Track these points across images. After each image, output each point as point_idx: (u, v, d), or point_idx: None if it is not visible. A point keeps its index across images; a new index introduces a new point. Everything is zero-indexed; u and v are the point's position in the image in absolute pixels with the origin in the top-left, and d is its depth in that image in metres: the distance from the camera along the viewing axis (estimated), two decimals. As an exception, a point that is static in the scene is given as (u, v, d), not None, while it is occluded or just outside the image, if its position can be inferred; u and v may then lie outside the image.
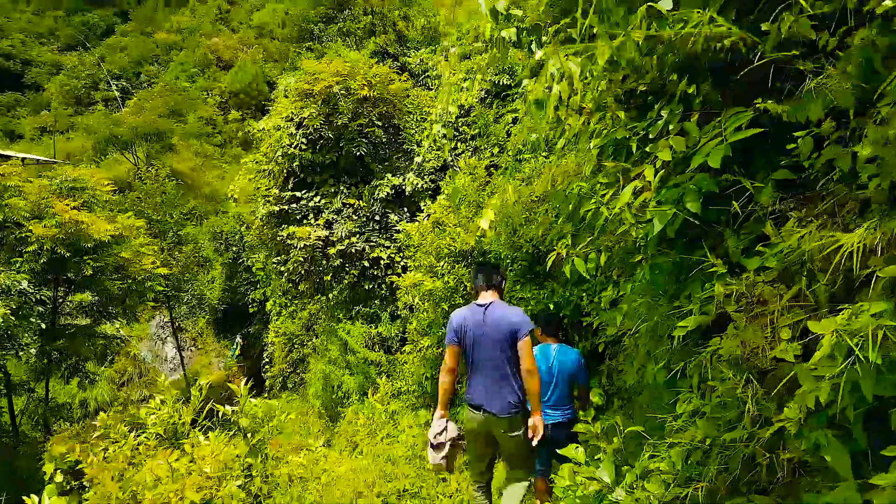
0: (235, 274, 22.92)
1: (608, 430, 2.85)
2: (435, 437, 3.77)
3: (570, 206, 2.76)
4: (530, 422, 3.50)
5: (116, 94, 38.57)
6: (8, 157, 27.02)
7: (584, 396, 4.55)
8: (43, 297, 13.41)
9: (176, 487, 3.41)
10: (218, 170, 32.62)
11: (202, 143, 34.29)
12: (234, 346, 24.59)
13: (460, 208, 8.05)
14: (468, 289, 7.99)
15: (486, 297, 3.67)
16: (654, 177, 2.32)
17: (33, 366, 15.55)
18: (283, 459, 5.26)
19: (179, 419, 5.19)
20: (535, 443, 3.49)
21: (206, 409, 4.89)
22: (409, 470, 5.19)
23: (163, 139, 31.60)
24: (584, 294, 5.31)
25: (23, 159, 28.43)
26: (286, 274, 11.03)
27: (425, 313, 9.09)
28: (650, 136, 2.62)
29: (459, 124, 10.42)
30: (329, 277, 10.84)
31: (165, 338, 26.21)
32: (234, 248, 20.84)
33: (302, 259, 10.66)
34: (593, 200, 2.63)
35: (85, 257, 14.16)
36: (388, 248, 10.71)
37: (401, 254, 10.65)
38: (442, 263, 8.22)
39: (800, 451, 1.80)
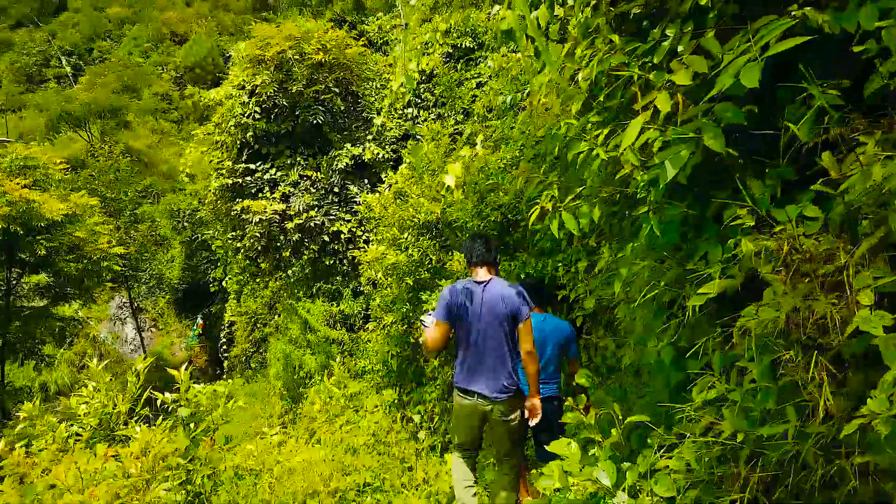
0: (195, 252, 21.91)
1: (603, 419, 2.32)
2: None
3: (556, 149, 2.18)
4: (528, 403, 3.26)
5: (68, 70, 36.30)
6: (-45, 136, 25.27)
7: (573, 368, 4.06)
8: None
9: (80, 500, 2.75)
10: (175, 147, 31.05)
11: (158, 120, 32.57)
12: (195, 327, 23.71)
13: (423, 177, 7.42)
14: (433, 262, 7.39)
15: (483, 273, 3.29)
16: (668, 105, 1.74)
17: None
18: (232, 451, 4.65)
19: (114, 408, 4.52)
20: (532, 423, 3.27)
21: (145, 396, 4.20)
22: (371, 461, 4.63)
23: (117, 116, 29.90)
24: (560, 264, 4.78)
25: (-29, 138, 26.62)
26: (243, 250, 10.24)
27: (389, 289, 8.46)
28: (654, 62, 2.05)
29: (421, 90, 9.73)
30: (287, 253, 10.11)
31: (125, 318, 25.14)
32: (192, 226, 19.82)
33: (258, 234, 9.88)
34: (584, 142, 2.05)
35: (38, 237, 13.54)
36: (349, 221, 10.02)
37: (362, 227, 9.98)
38: (406, 235, 7.59)
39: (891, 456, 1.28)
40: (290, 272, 9.98)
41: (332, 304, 10.05)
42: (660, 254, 2.16)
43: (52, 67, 36.69)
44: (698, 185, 2.07)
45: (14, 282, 14.64)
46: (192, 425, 4.26)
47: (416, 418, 5.93)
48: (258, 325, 16.50)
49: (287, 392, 10.71)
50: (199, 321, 23.58)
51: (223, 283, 18.49)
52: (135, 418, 4.11)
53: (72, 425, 4.35)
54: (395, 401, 8.55)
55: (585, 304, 4.33)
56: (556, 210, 2.12)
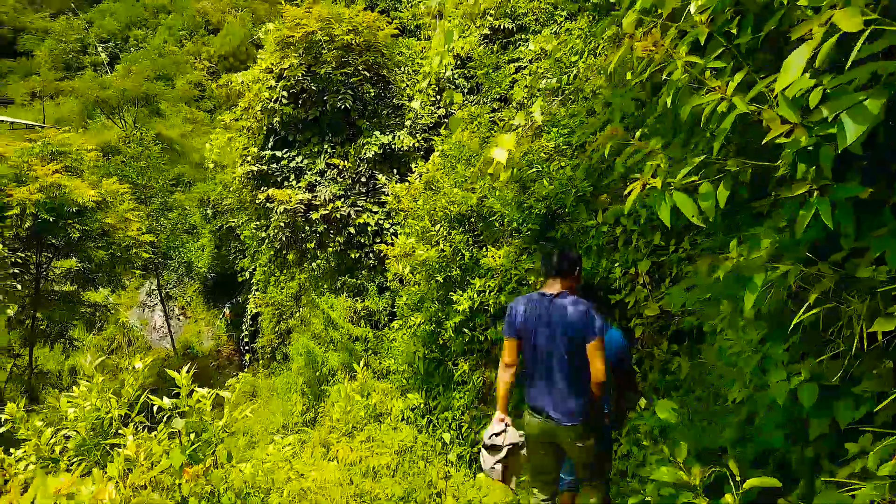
0: (224, 242, 21.72)
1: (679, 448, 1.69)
2: (490, 438, 3.14)
3: (662, 103, 1.56)
4: None
5: (104, 58, 36.62)
6: (-4, 122, 25.53)
7: (626, 385, 3.60)
8: (18, 260, 12.57)
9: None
10: (207, 136, 31.04)
11: (192, 109, 32.58)
12: (222, 316, 23.59)
13: (457, 166, 6.81)
14: (466, 258, 6.79)
15: (553, 286, 3.07)
16: (857, 20, 1.11)
17: (18, 332, 14.90)
18: (240, 465, 4.11)
19: (107, 413, 4.01)
20: None
21: (142, 399, 3.68)
22: (394, 486, 4.05)
23: (151, 104, 29.97)
24: (616, 265, 4.13)
25: (11, 124, 26.90)
26: (267, 241, 9.79)
27: (417, 286, 7.91)
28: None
29: (456, 76, 9.11)
30: (312, 245, 9.62)
31: (153, 306, 25.16)
32: (221, 216, 19.60)
33: (282, 224, 9.41)
34: (707, 94, 1.42)
35: (68, 222, 13.31)
36: (376, 213, 9.47)
37: (390, 220, 9.42)
38: (437, 228, 7.00)
39: None
40: (314, 265, 9.48)
41: (356, 300, 9.52)
42: (800, 253, 1.52)
43: (90, 55, 37.09)
44: (869, 156, 1.42)
45: (44, 266, 14.52)
46: (192, 435, 3.75)
47: (446, 437, 5.31)
48: (284, 317, 16.18)
49: (309, 389, 10.25)
50: (227, 311, 23.43)
51: (249, 274, 18.26)
52: (132, 424, 3.59)
53: (59, 429, 3.85)
54: (422, 405, 8.00)
55: (646, 312, 3.69)
56: (666, 189, 1.50)
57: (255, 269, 15.76)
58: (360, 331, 9.04)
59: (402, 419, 8.03)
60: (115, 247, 15.43)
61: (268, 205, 9.44)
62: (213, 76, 34.62)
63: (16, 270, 12.60)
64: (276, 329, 16.93)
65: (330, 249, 9.45)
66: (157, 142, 23.11)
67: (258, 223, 9.81)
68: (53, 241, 13.79)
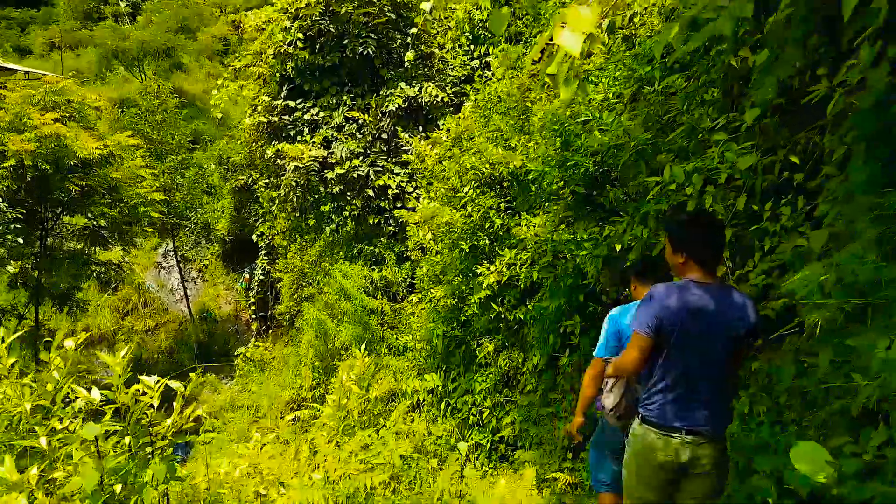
0: (244, 204, 21.25)
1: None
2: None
3: None
4: None
5: (125, 8, 36.16)
6: (13, 71, 25.29)
7: None
8: (19, 215, 12.24)
9: None
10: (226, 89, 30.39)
11: (215, 64, 31.95)
12: (241, 281, 23.35)
13: (492, 118, 6.02)
14: (496, 225, 6.04)
15: (707, 273, 2.47)
16: None
17: (22, 291, 14.89)
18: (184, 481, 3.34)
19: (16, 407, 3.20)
20: None
21: (65, 390, 2.97)
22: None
23: (172, 57, 29.45)
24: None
25: (27, 73, 26.68)
26: (278, 201, 9.16)
27: (439, 255, 7.21)
28: None
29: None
30: (327, 208, 8.96)
31: (169, 267, 25.02)
32: (234, 173, 19.08)
33: (294, 184, 8.75)
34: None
35: (70, 176, 13.01)
36: (398, 175, 8.75)
37: (413, 183, 8.69)
38: (466, 190, 6.26)
39: None
40: (328, 230, 8.84)
41: (373, 270, 8.88)
42: None
43: (110, 4, 36.68)
44: None
45: (51, 223, 14.31)
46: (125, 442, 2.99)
47: (462, 448, 4.63)
48: (304, 284, 15.71)
49: (319, 363, 9.73)
50: (246, 275, 23.16)
51: (266, 238, 17.83)
52: (55, 420, 2.88)
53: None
54: (439, 387, 7.38)
55: (772, 305, 2.94)
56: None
57: (271, 234, 15.25)
58: (375, 303, 8.42)
59: (417, 404, 7.44)
60: (123, 204, 15.13)
61: (278, 161, 8.78)
62: (237, 30, 33.88)
63: (17, 226, 12.22)
64: (296, 296, 16.51)
65: (346, 213, 8.78)
66: (175, 95, 22.54)
67: (268, 181, 9.17)
68: (56, 195, 13.44)
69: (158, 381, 2.86)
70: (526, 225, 5.49)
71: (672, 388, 2.42)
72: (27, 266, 14.32)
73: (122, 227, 15.81)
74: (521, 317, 5.94)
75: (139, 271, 25.01)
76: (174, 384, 2.95)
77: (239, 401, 10.78)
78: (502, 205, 6.02)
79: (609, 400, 2.95)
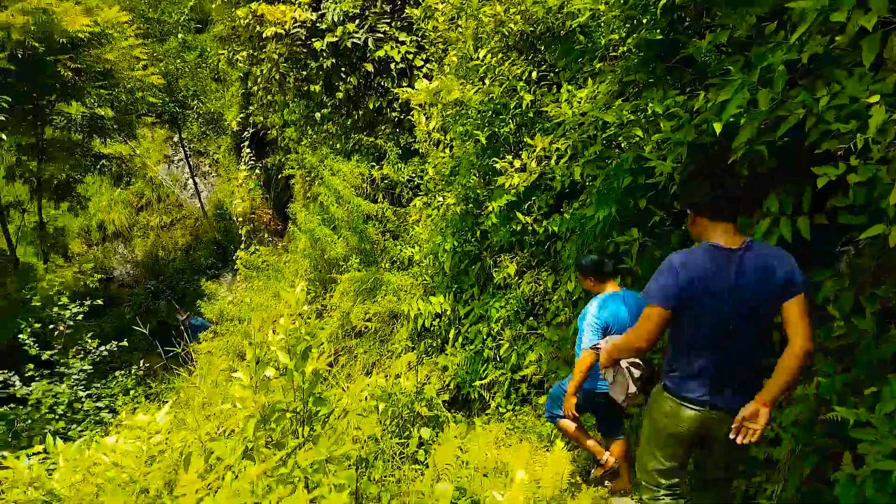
0: (254, 93, 19.70)
1: None
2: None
3: None
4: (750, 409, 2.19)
5: None
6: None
7: None
8: (4, 103, 11.20)
9: None
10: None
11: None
12: (254, 177, 22.24)
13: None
14: (524, 104, 4.47)
15: (730, 233, 2.25)
16: None
17: (20, 183, 14.71)
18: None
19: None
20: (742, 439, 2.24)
21: None
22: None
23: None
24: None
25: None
26: (260, 81, 7.62)
27: (449, 149, 5.72)
28: None
29: None
30: (318, 88, 7.39)
31: (180, 161, 24.04)
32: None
33: (276, 57, 7.15)
34: None
35: (61, 57, 12.16)
36: (403, 43, 7.04)
37: (423, 55, 7.00)
38: (483, 55, 4.66)
39: None
40: (318, 115, 7.32)
41: (373, 166, 7.42)
42: None
43: None
44: None
45: (48, 111, 13.66)
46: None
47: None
48: (317, 180, 14.43)
49: (315, 274, 8.54)
50: (258, 171, 21.97)
51: (277, 131, 16.49)
52: None
53: None
54: (448, 312, 6.12)
55: None
56: None
57: (278, 125, 13.83)
58: (374, 207, 7.03)
59: (422, 329, 6.22)
60: (118, 89, 14.40)
61: (258, 28, 7.15)
62: None
63: (2, 117, 11.06)
64: (308, 195, 15.29)
65: (339, 95, 7.20)
66: (173, -34, 20.44)
67: (249, 53, 7.58)
68: (48, 79, 12.64)
69: None
70: (567, 100, 3.94)
71: (693, 361, 2.34)
72: (24, 157, 13.81)
73: (123, 117, 14.99)
74: (554, 229, 4.61)
75: (151, 165, 24.10)
76: None
77: (233, 311, 9.79)
78: (535, 73, 4.42)
79: (618, 393, 2.85)
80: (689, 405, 2.35)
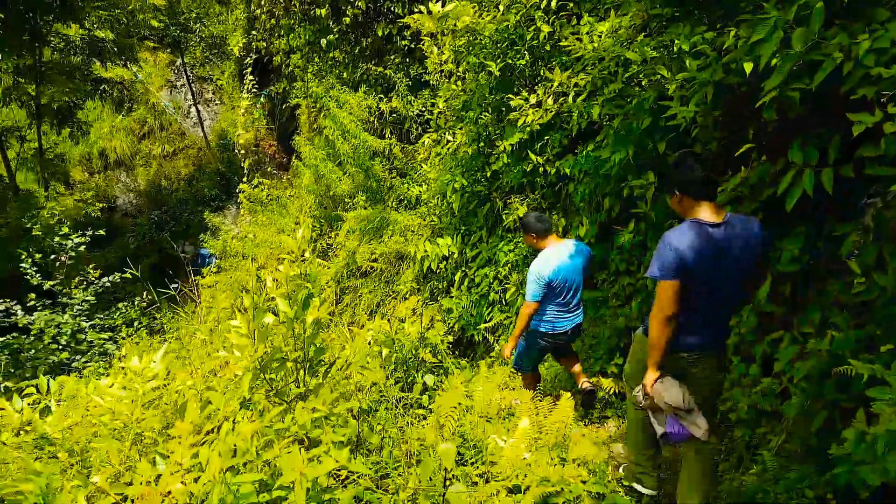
0: (257, 17, 19.04)
1: None
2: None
3: None
4: None
5: None
6: None
7: None
8: None
9: None
10: None
11: None
12: (258, 106, 21.77)
13: None
14: (542, 35, 4.23)
15: (713, 210, 2.58)
16: None
17: (15, 106, 14.29)
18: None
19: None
20: None
21: None
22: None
23: None
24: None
25: None
26: (262, 1, 7.29)
27: (460, 82, 5.48)
28: None
29: None
30: (325, 11, 7.06)
31: (182, 86, 23.51)
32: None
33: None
34: None
35: None
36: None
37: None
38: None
39: None
40: (323, 42, 7.03)
41: (381, 99, 7.18)
42: None
43: None
44: None
45: (44, 31, 13.19)
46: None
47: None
48: (324, 111, 14.10)
49: (320, 212, 8.45)
50: (263, 100, 21.49)
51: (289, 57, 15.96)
52: None
53: None
54: (455, 254, 6.04)
55: None
56: None
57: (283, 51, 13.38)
58: (381, 143, 6.84)
59: (427, 271, 6.16)
60: (119, 11, 14.29)
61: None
62: None
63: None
64: (314, 126, 14.95)
65: (346, 19, 6.89)
66: None
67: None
68: None
69: None
70: (588, 33, 3.71)
71: (690, 317, 2.64)
72: (21, 80, 13.40)
73: (123, 40, 14.60)
74: (567, 170, 4.43)
75: (154, 92, 23.61)
76: None
77: (237, 247, 9.73)
78: (554, 2, 4.16)
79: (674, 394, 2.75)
80: (686, 353, 2.72)
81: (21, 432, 1.93)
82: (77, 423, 2.03)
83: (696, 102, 2.83)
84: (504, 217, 5.28)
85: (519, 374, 4.22)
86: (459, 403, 2.79)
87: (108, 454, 1.81)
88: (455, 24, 4.48)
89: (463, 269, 5.99)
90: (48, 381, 2.60)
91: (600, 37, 3.70)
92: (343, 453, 1.43)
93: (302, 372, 2.00)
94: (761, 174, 2.90)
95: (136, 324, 9.53)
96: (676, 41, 2.96)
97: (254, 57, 17.22)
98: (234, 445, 1.53)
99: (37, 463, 1.76)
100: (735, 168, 3.13)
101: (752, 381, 3.11)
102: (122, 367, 2.30)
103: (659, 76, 3.05)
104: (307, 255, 2.20)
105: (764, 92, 2.45)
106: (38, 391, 2.51)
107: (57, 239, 9.29)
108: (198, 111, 22.09)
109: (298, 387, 1.99)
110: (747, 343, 3.16)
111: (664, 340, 2.63)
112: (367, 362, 2.29)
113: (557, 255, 3.53)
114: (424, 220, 6.54)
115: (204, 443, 1.65)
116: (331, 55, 7.57)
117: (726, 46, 2.63)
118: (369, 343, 3.44)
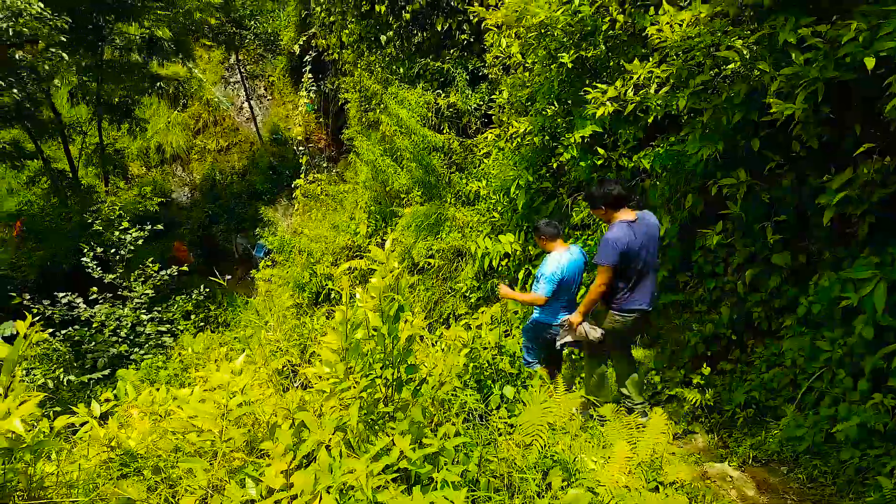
0: (311, 12, 19.18)
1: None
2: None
3: None
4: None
5: None
6: None
7: None
8: (64, 24, 11.07)
9: None
10: None
11: None
12: (307, 102, 21.95)
13: None
14: (618, 24, 4.04)
15: (631, 211, 3.71)
16: None
17: (75, 102, 14.93)
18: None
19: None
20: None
21: None
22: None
23: None
24: None
25: None
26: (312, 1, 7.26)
27: (528, 73, 5.32)
28: None
29: None
30: (384, 8, 6.99)
31: (236, 83, 23.96)
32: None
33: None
34: None
35: None
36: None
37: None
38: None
39: None
40: (383, 38, 6.96)
41: (439, 94, 7.07)
42: None
43: None
44: None
45: (107, 30, 13.62)
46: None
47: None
48: (373, 105, 14.09)
49: (376, 207, 8.41)
50: (312, 95, 21.63)
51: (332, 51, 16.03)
52: None
53: None
54: (518, 252, 5.90)
55: None
56: None
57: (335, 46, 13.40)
58: (440, 138, 6.74)
59: (487, 269, 6.04)
60: (176, 10, 14.36)
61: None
62: None
63: (63, 38, 10.99)
64: (364, 120, 14.96)
65: (406, 15, 6.81)
66: None
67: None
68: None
69: None
70: (668, 23, 3.51)
71: (631, 289, 3.74)
72: (85, 79, 13.89)
73: (180, 38, 15.16)
74: (646, 165, 4.22)
75: (208, 87, 24.11)
76: None
77: (293, 242, 9.81)
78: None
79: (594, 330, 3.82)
80: (631, 313, 3.72)
81: (106, 448, 1.92)
82: (160, 437, 2.01)
83: (803, 98, 2.62)
84: (573, 215, 5.12)
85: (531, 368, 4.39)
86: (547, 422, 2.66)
87: (194, 473, 1.78)
88: (527, 21, 4.33)
89: (527, 266, 5.84)
90: (124, 388, 2.60)
91: (680, 25, 3.49)
92: (460, 495, 1.34)
93: (390, 390, 1.93)
94: (875, 174, 2.67)
95: (192, 316, 9.75)
96: (779, 32, 2.75)
97: (312, 54, 17.30)
98: (346, 485, 1.45)
99: (123, 482, 1.74)
100: (839, 168, 2.91)
101: (860, 397, 2.89)
102: (200, 378, 2.26)
103: (758, 71, 2.84)
104: (395, 265, 2.11)
105: (890, 93, 2.24)
106: (116, 398, 2.51)
107: (117, 233, 9.58)
108: (251, 106, 22.43)
109: (386, 405, 1.91)
110: (856, 356, 2.94)
111: (595, 302, 3.67)
112: (462, 388, 2.21)
113: (567, 257, 4.08)
114: (484, 217, 6.42)
115: (299, 467, 1.59)
116: (387, 51, 7.50)
117: (846, 40, 2.41)
118: (442, 350, 3.37)
